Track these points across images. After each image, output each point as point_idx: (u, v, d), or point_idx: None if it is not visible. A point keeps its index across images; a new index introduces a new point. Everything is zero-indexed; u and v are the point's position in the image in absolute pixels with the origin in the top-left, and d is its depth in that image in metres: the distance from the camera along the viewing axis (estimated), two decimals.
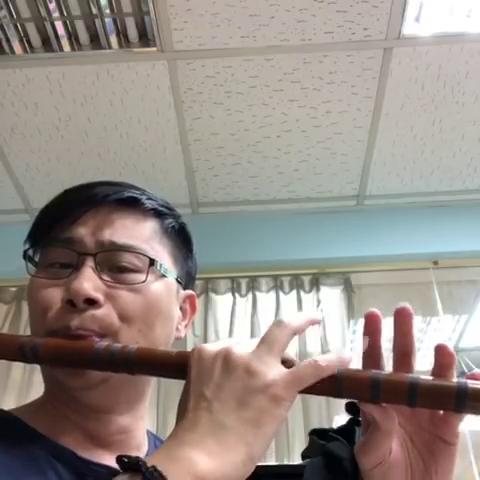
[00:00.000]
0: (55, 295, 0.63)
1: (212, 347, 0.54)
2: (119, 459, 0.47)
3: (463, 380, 0.52)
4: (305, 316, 0.57)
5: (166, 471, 0.44)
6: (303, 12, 1.95)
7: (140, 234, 0.68)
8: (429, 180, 2.68)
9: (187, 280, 0.75)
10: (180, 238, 0.74)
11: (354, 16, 1.96)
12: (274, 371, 0.52)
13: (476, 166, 2.61)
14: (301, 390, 0.53)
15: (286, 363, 0.53)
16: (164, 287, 0.68)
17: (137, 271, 0.65)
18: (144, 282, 0.65)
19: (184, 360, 0.55)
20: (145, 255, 0.66)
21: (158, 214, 0.71)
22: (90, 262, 0.64)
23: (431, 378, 0.53)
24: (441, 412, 0.55)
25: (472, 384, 0.51)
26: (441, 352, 0.54)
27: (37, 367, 0.68)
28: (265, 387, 0.50)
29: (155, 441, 0.76)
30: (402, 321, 0.56)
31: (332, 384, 0.53)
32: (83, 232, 0.66)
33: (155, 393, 2.41)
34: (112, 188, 0.69)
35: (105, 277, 0.64)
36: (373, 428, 0.56)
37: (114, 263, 0.65)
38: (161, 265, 0.67)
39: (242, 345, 0.54)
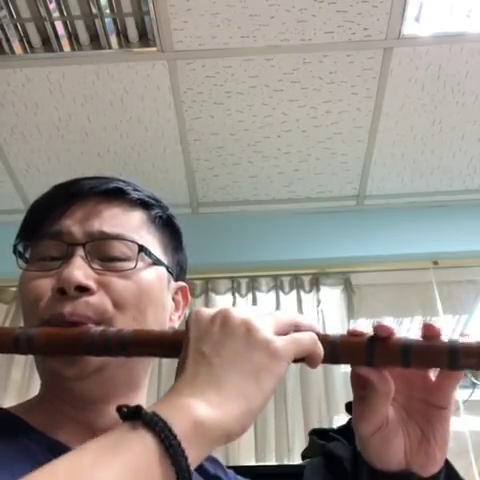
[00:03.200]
0: (46, 285, 0.64)
1: (210, 309, 0.55)
2: (119, 409, 0.47)
3: (454, 339, 0.53)
4: (312, 321, 0.57)
5: (166, 417, 0.45)
6: (303, 12, 1.95)
7: (128, 223, 0.68)
8: (429, 180, 2.68)
9: (178, 271, 0.76)
10: (168, 229, 0.74)
11: (354, 16, 1.96)
12: (273, 333, 0.52)
13: (476, 166, 2.61)
14: (298, 358, 0.53)
15: None
16: (155, 274, 0.68)
17: (127, 259, 0.66)
18: (134, 268, 0.66)
19: (181, 338, 0.55)
20: (134, 242, 0.67)
21: (145, 204, 0.72)
22: (80, 251, 0.65)
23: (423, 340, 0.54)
24: (433, 379, 0.57)
25: (463, 341, 0.53)
26: (427, 328, 0.55)
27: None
28: (265, 343, 0.51)
29: None
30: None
31: (328, 350, 0.55)
32: (71, 223, 0.67)
33: (155, 388, 2.41)
34: (98, 181, 0.71)
35: (95, 266, 0.65)
36: (370, 393, 0.57)
37: (104, 252, 0.66)
38: (150, 252, 0.68)
39: (241, 308, 0.55)
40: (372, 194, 2.75)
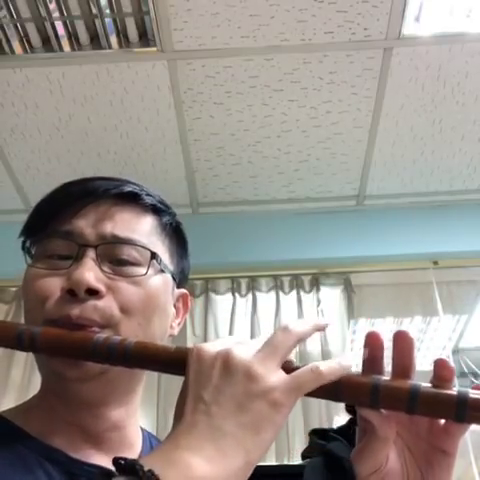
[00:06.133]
0: (54, 284, 0.63)
1: (212, 347, 0.53)
2: (115, 461, 0.46)
3: (464, 389, 0.51)
4: (311, 322, 0.56)
5: (163, 475, 0.44)
6: (303, 12, 1.95)
7: (141, 229, 0.68)
8: (429, 180, 2.68)
9: (181, 279, 0.75)
10: (177, 236, 0.74)
11: (354, 16, 1.96)
12: (274, 376, 0.50)
13: (476, 166, 2.61)
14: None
15: (287, 366, 0.52)
16: (162, 282, 0.68)
17: (137, 264, 0.66)
18: (145, 275, 0.65)
19: (182, 356, 0.55)
20: (147, 248, 0.66)
21: (156, 211, 0.71)
22: (91, 253, 0.64)
23: (431, 386, 0.52)
24: (441, 422, 0.54)
25: (473, 394, 0.50)
26: (441, 366, 0.52)
27: (37, 367, 0.68)
28: (265, 392, 0.49)
29: (150, 439, 0.75)
30: (402, 344, 0.54)
31: (331, 387, 0.52)
32: (84, 225, 0.66)
33: (155, 393, 2.41)
34: (112, 183, 0.70)
35: (105, 269, 0.64)
36: (370, 434, 0.55)
37: (114, 256, 0.65)
38: (161, 260, 0.68)
39: (243, 346, 0.52)
40: (372, 194, 2.75)
